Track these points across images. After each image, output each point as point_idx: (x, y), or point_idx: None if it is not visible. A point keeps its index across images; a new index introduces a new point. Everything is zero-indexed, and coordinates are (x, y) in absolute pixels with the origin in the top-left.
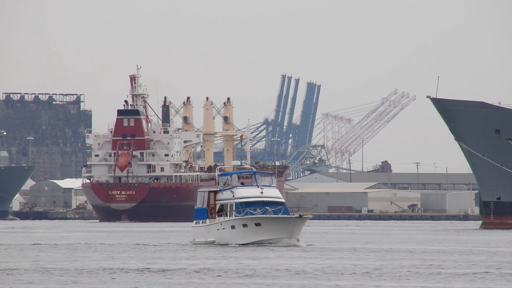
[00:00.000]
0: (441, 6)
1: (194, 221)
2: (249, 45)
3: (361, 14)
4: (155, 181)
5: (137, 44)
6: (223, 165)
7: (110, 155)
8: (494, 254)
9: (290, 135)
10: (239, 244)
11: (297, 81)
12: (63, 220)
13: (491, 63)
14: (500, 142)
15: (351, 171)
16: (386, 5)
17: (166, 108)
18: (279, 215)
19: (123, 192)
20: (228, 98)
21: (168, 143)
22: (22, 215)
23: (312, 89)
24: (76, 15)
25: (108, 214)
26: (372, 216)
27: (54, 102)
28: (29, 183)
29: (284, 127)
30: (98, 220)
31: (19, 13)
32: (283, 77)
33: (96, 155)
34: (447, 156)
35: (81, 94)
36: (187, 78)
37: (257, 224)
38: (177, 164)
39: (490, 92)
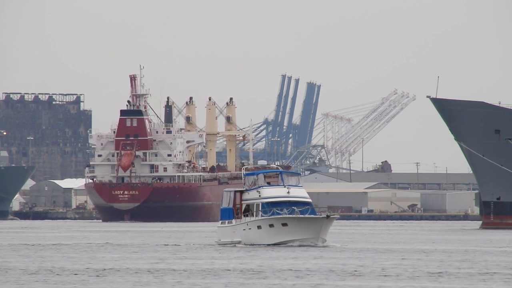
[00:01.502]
0: (441, 6)
1: (220, 221)
2: (249, 45)
3: (361, 14)
4: (158, 181)
5: (137, 44)
6: (226, 165)
7: (113, 155)
8: None
9: (290, 135)
10: (266, 245)
11: (297, 81)
12: (63, 220)
13: (491, 63)
14: (500, 142)
15: (351, 171)
16: (386, 5)
17: (169, 108)
18: (306, 215)
19: (126, 192)
20: (231, 98)
21: (171, 143)
22: (22, 215)
23: (312, 89)
24: (76, 15)
25: (111, 214)
26: (372, 216)
27: (54, 102)
28: (29, 183)
29: (284, 127)
30: (101, 220)
31: (19, 13)
32: (283, 77)
33: (99, 155)
34: (447, 156)
35: (81, 94)
36: (187, 78)
37: (284, 224)
38: (180, 164)
39: (490, 92)
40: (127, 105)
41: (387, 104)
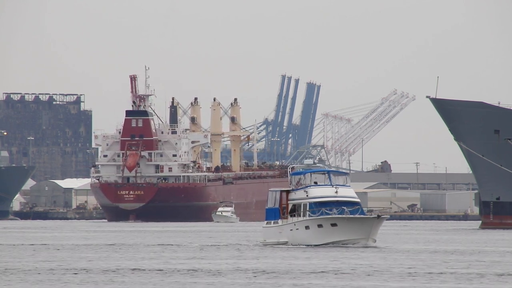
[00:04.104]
0: (441, 6)
1: (265, 221)
2: (249, 45)
3: (361, 14)
4: (163, 181)
5: (138, 45)
6: (230, 165)
7: (118, 156)
8: None
9: (290, 135)
10: (314, 245)
11: (297, 81)
12: (64, 220)
13: (491, 63)
14: (500, 142)
15: (351, 171)
16: (386, 5)
17: (174, 108)
18: (356, 215)
19: (131, 192)
20: (235, 99)
21: (176, 143)
22: (22, 215)
23: (312, 89)
24: (76, 15)
25: (116, 214)
26: None
27: (54, 102)
28: (29, 183)
29: (284, 127)
30: (106, 220)
31: (19, 13)
32: (283, 77)
33: (105, 156)
34: (446, 156)
35: (81, 94)
36: (187, 78)
37: (333, 225)
38: (185, 164)
39: (490, 92)
40: (132, 105)
41: (386, 104)
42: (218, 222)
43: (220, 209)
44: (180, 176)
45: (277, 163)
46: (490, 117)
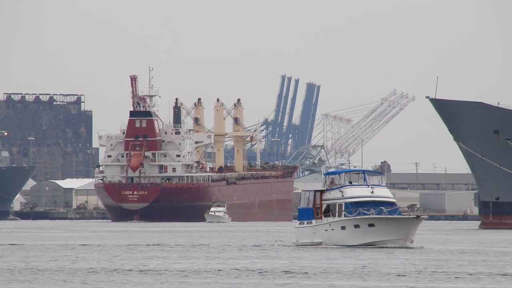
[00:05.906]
0: (441, 6)
1: (298, 222)
2: (248, 45)
3: (361, 15)
4: (167, 181)
5: (138, 45)
6: (233, 165)
7: (122, 156)
8: None
9: (290, 135)
10: (350, 246)
11: (296, 81)
12: (65, 220)
13: (491, 63)
14: (499, 142)
15: None
16: (386, 5)
17: (177, 109)
18: (395, 216)
19: (135, 192)
20: (239, 100)
21: (180, 144)
22: (23, 215)
23: (312, 90)
24: (76, 15)
25: (120, 214)
26: None
27: (54, 103)
28: (30, 183)
29: (284, 127)
30: (110, 220)
31: (19, 13)
32: (283, 77)
33: (109, 156)
34: (446, 156)
35: (81, 95)
36: (189, 79)
37: (370, 225)
38: (189, 165)
39: (489, 93)
40: (136, 106)
41: (386, 105)
42: (211, 222)
43: (212, 209)
44: (184, 176)
45: (278, 163)
46: (489, 117)
